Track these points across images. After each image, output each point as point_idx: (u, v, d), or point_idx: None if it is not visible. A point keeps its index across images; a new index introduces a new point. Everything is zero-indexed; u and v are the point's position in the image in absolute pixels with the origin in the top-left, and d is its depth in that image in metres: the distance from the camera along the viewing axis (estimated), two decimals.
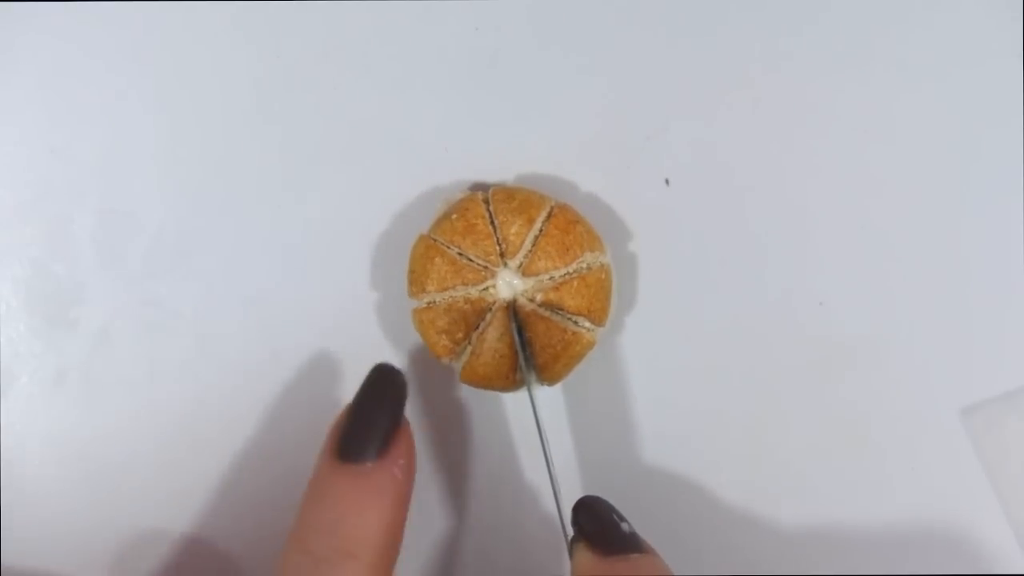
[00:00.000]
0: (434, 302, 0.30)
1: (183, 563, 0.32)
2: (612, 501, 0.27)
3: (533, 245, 0.30)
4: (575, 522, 0.27)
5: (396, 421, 0.26)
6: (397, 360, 0.32)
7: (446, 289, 0.30)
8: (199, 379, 0.32)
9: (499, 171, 0.32)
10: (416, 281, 0.30)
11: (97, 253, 0.32)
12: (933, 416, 0.32)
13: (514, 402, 0.32)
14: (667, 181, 0.33)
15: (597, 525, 0.26)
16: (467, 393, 0.32)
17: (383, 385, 0.27)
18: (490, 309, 0.30)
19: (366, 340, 0.32)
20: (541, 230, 0.30)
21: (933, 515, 0.32)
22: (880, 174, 0.32)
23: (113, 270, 0.32)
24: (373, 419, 0.26)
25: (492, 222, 0.30)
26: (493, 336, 0.29)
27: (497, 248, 0.30)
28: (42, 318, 0.32)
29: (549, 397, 0.32)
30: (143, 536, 0.32)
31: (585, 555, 0.26)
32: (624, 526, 0.26)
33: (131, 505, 0.32)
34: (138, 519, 0.32)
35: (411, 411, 0.32)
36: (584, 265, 0.30)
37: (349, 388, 0.32)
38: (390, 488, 0.26)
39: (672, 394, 0.32)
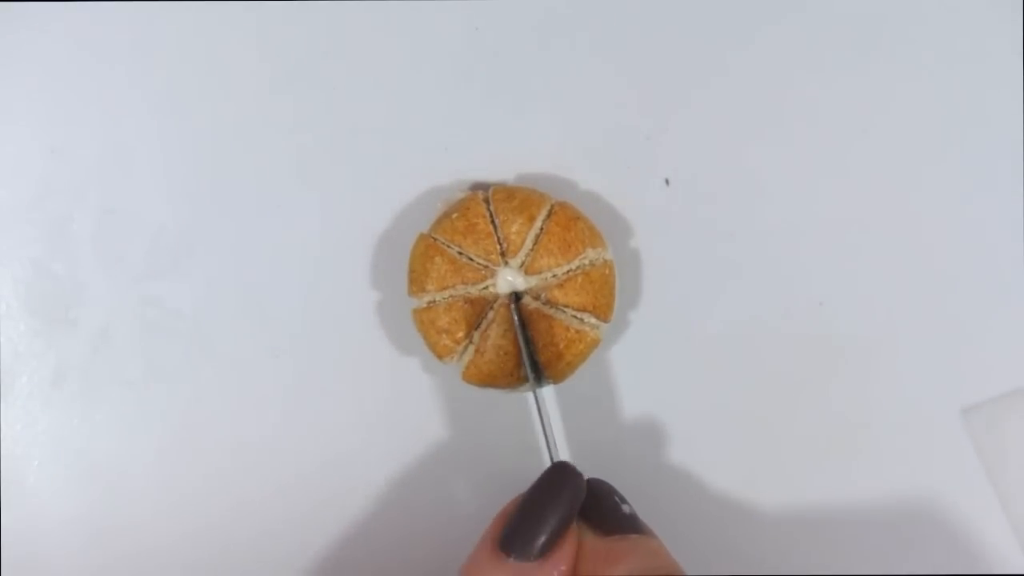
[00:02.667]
0: (434, 301, 0.30)
1: (182, 562, 0.32)
2: None
3: (535, 243, 0.30)
4: None
5: (567, 523, 0.26)
6: (397, 360, 0.32)
7: (446, 288, 0.30)
8: (199, 379, 0.32)
9: (499, 171, 0.32)
10: (416, 280, 0.30)
11: (97, 253, 0.32)
12: (933, 416, 0.32)
13: (514, 401, 0.32)
14: (667, 181, 0.33)
15: (598, 505, 0.27)
16: (468, 392, 0.32)
17: (562, 484, 0.26)
18: (492, 307, 0.30)
19: (366, 340, 0.32)
20: (542, 228, 0.30)
21: (933, 515, 0.32)
22: (880, 174, 0.32)
23: (113, 270, 0.32)
24: (545, 517, 0.25)
25: (493, 221, 0.30)
26: (497, 333, 0.29)
27: (498, 247, 0.30)
28: (42, 318, 0.32)
29: (550, 394, 0.32)
30: (142, 535, 0.32)
31: (585, 534, 0.26)
32: (625, 507, 0.27)
33: (130, 505, 0.32)
34: (137, 519, 0.32)
35: (413, 411, 0.32)
36: (587, 261, 0.30)
37: (349, 388, 0.32)
38: None
39: (672, 391, 0.32)
